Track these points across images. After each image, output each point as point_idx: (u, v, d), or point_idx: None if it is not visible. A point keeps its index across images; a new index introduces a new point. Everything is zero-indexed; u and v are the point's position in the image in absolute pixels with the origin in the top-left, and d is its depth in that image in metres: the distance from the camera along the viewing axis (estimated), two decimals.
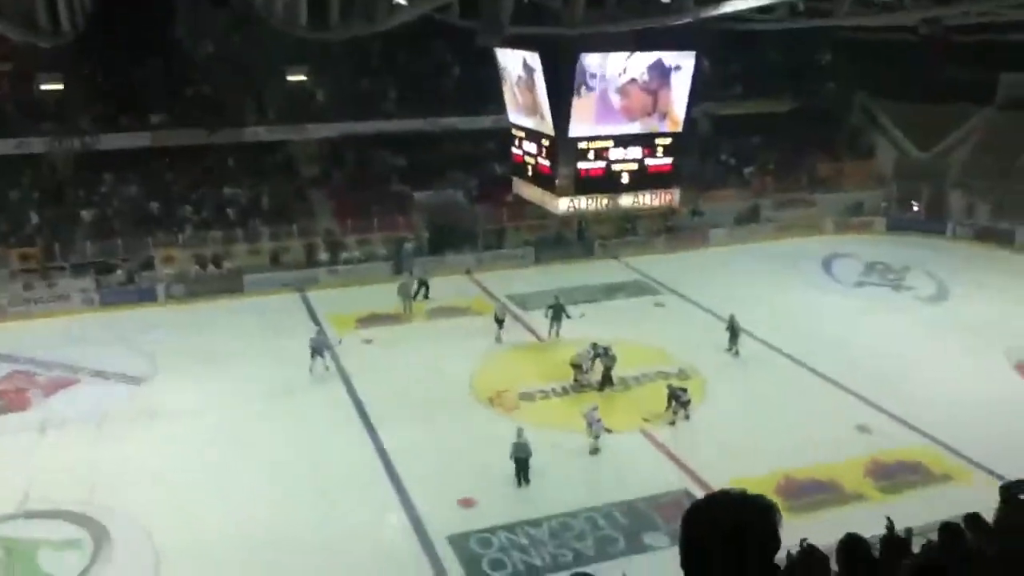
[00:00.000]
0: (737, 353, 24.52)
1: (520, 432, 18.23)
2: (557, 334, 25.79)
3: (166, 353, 25.09)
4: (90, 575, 15.17)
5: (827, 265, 33.69)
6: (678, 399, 20.79)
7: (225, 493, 17.70)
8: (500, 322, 26.09)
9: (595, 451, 19.35)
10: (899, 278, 31.95)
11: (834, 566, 5.36)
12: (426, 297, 29.72)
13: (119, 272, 30.46)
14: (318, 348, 23.21)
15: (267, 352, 25.14)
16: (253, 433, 20.38)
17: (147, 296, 29.95)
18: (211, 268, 31.44)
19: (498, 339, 25.94)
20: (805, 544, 5.43)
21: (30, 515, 16.97)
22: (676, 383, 21.66)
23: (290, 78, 37.72)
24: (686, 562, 2.28)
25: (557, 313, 25.89)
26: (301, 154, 37.20)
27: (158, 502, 17.29)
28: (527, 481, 18.04)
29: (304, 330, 25.95)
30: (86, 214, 32.49)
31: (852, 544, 5.37)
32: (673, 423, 20.68)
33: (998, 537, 5.79)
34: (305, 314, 28.86)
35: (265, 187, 35.27)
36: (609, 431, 19.65)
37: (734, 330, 24.55)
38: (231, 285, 30.89)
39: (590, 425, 19.35)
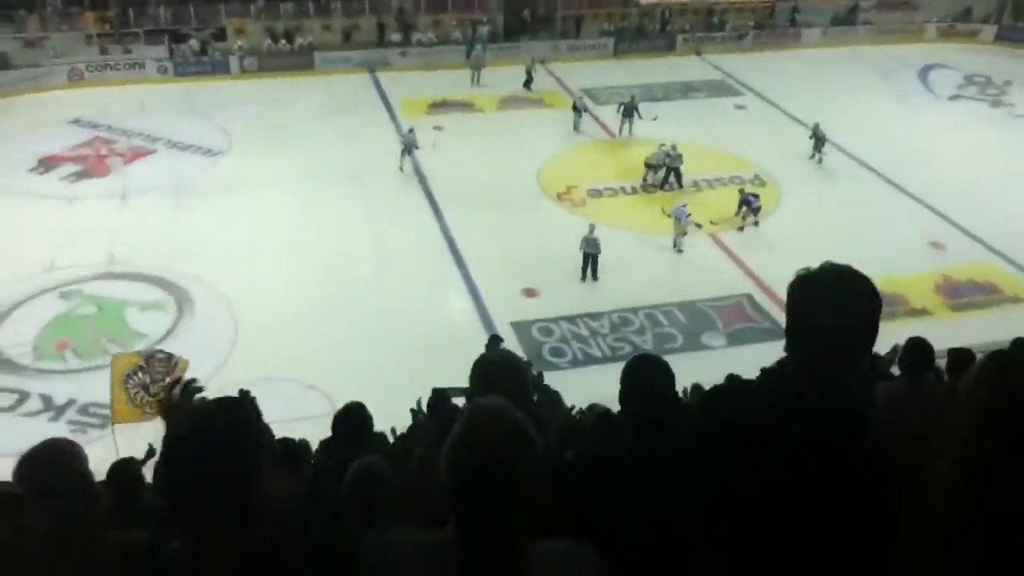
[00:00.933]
0: (820, 161, 23.70)
1: (592, 228, 18.21)
2: (630, 132, 25.14)
3: (240, 127, 25.20)
4: (175, 334, 16.01)
5: (923, 75, 31.71)
6: (749, 205, 20.36)
7: (296, 266, 18.13)
8: (580, 111, 25.55)
9: (680, 249, 19.38)
10: (1000, 93, 30.01)
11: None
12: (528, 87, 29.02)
13: (192, 42, 30.12)
14: (408, 146, 22.59)
15: (338, 132, 25.08)
16: (324, 211, 20.66)
17: (220, 68, 29.76)
18: (282, 43, 30.88)
19: (576, 128, 25.48)
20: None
21: (117, 276, 17.79)
22: (749, 188, 21.15)
23: None
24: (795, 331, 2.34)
25: (629, 111, 25.14)
26: None
27: (233, 270, 17.78)
28: (595, 277, 18.20)
29: (373, 111, 25.72)
30: None
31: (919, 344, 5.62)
32: (742, 228, 20.40)
33: None
34: (376, 96, 28.53)
35: None
36: (699, 226, 19.62)
37: (818, 138, 23.60)
38: (302, 61, 30.45)
39: (679, 220, 19.25)
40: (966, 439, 2.19)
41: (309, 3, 32.08)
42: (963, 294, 18.07)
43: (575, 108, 25.78)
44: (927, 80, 31.36)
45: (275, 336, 15.72)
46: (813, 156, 23.76)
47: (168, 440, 2.24)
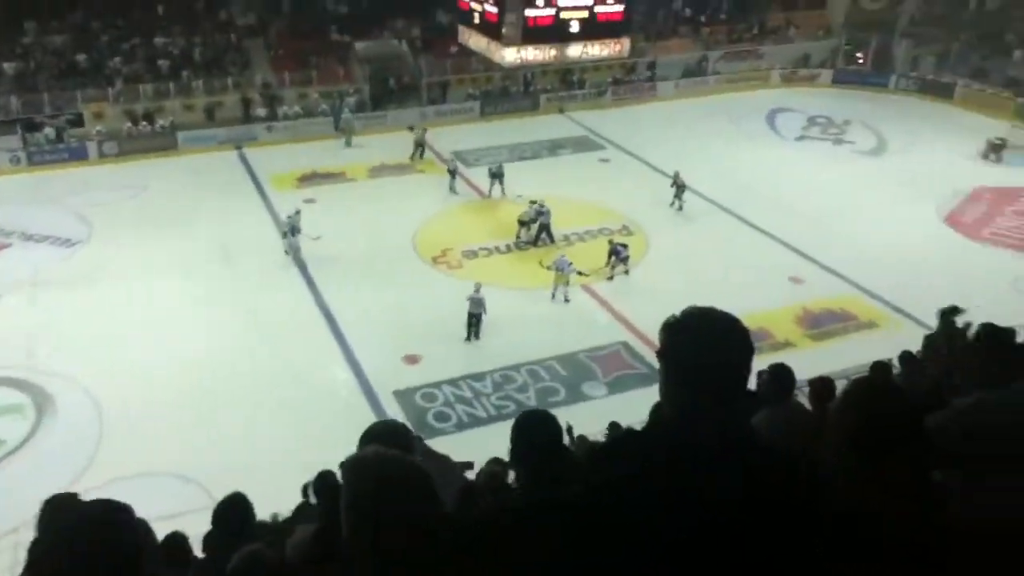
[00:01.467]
0: (681, 208, 24.72)
1: (478, 287, 18.53)
2: (502, 192, 25.62)
3: (100, 214, 24.44)
4: (35, 438, 15.26)
5: (771, 119, 33.69)
6: (618, 254, 21.04)
7: (165, 356, 17.53)
8: (453, 174, 26.08)
9: (566, 299, 19.94)
10: (840, 132, 32.16)
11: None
12: (421, 157, 29.23)
13: (47, 130, 29.16)
14: (293, 228, 21.75)
15: (205, 212, 24.65)
16: (193, 293, 20.19)
17: (78, 155, 28.82)
18: (143, 124, 30.26)
19: (451, 189, 25.98)
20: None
21: None
22: (618, 239, 21.87)
23: None
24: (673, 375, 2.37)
25: (496, 175, 25.78)
26: (236, 1, 35.39)
27: (98, 366, 17.16)
28: (477, 337, 18.42)
29: (242, 188, 25.54)
30: (8, 67, 30.75)
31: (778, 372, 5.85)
32: (611, 278, 21.02)
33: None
34: (244, 172, 28.20)
35: (198, 37, 33.65)
36: (581, 273, 20.19)
37: (679, 186, 24.65)
38: (165, 142, 29.84)
39: (561, 270, 19.84)
40: (836, 462, 2.41)
41: (169, 83, 31.63)
42: (822, 323, 19.11)
43: (449, 171, 26.19)
44: (775, 123, 33.30)
45: (146, 429, 15.17)
46: (673, 203, 24.77)
47: (36, 552, 2.09)
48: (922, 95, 35.91)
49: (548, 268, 20.24)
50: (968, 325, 8.16)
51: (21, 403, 16.13)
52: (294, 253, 21.50)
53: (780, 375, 5.96)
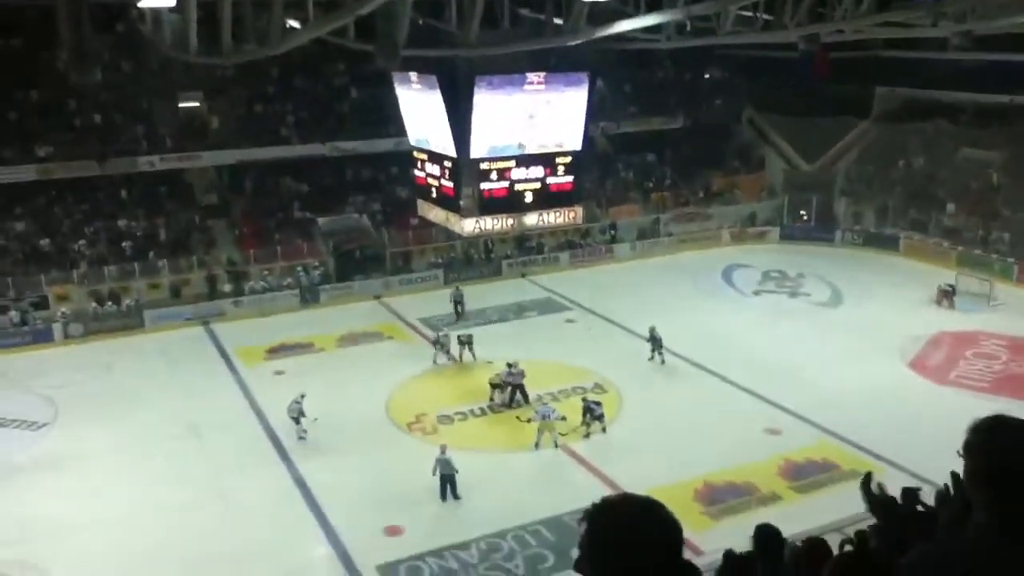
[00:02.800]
0: (663, 362, 25.08)
1: (443, 448, 18.36)
2: (473, 357, 25.76)
3: (66, 396, 23.95)
4: None
5: (727, 275, 34.82)
6: (592, 412, 21.12)
7: (137, 542, 16.88)
8: (441, 345, 25.94)
9: (556, 444, 20.23)
10: (795, 285, 33.29)
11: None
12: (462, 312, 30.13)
13: (12, 313, 28.95)
14: (297, 415, 21.14)
15: (174, 389, 24.37)
16: (162, 474, 19.62)
17: (42, 337, 28.55)
18: (109, 305, 30.22)
19: (435, 361, 25.84)
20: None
21: None
22: (591, 396, 22.00)
23: (183, 105, 36.85)
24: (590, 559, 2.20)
25: (467, 343, 26.02)
26: (198, 183, 36.33)
27: (65, 552, 16.48)
28: (456, 496, 18.16)
29: (210, 363, 25.44)
30: None
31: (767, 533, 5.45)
32: (588, 436, 20.99)
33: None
34: (212, 348, 28.09)
35: (162, 218, 34.26)
36: (564, 419, 20.49)
37: (655, 339, 25.12)
38: (131, 322, 29.78)
39: (546, 418, 20.17)
40: None
41: (134, 264, 31.89)
42: (806, 474, 19.04)
43: (436, 343, 26.09)
44: (731, 279, 34.41)
45: None
46: (652, 357, 25.18)
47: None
48: (867, 247, 37.57)
49: (529, 420, 20.48)
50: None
51: None
52: (298, 435, 21.02)
53: (766, 538, 5.09)
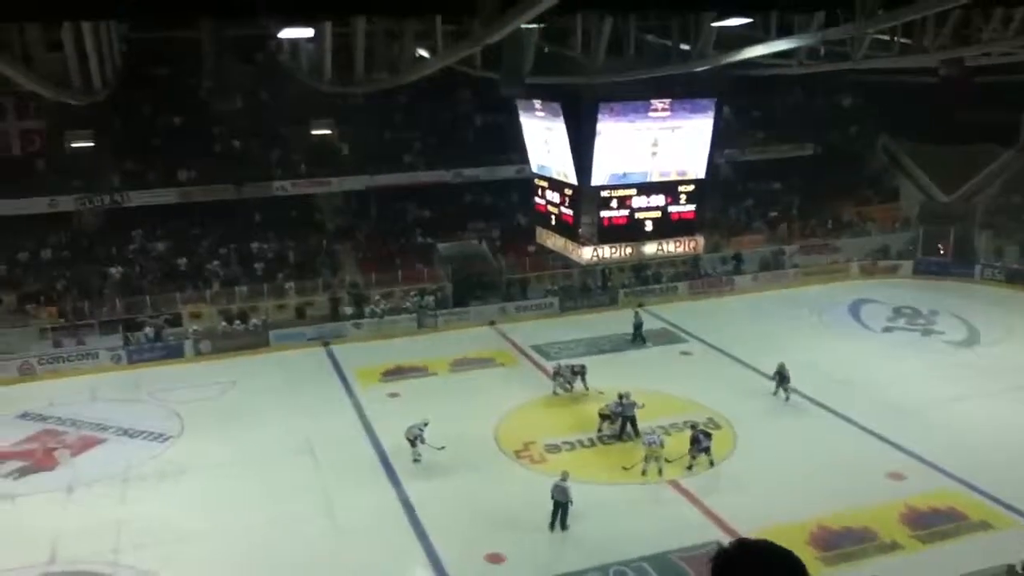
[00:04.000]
0: (788, 399, 24.15)
1: (565, 475, 18.26)
2: (585, 388, 25.34)
3: (193, 410, 25.13)
4: None
5: (854, 311, 33.32)
6: (698, 443, 20.56)
7: (250, 553, 17.53)
8: (565, 379, 25.52)
9: (660, 469, 20.14)
10: (928, 323, 31.52)
11: None
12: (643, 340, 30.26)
13: (147, 329, 30.63)
14: (415, 438, 21.22)
15: (292, 407, 25.13)
16: (279, 491, 20.22)
17: (174, 353, 30.07)
18: (237, 323, 31.56)
19: (555, 392, 25.47)
20: None
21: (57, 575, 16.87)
22: (702, 427, 21.33)
23: (315, 132, 38.24)
24: None
25: (580, 373, 25.50)
26: (326, 207, 37.61)
27: (184, 562, 17.16)
28: (564, 527, 17.97)
29: (328, 384, 26.18)
30: (115, 271, 32.89)
31: None
32: (691, 467, 20.47)
33: None
34: (331, 368, 28.87)
35: (291, 241, 35.61)
36: (663, 445, 20.27)
37: (783, 377, 24.24)
38: (257, 340, 30.96)
39: (651, 445, 20.11)
40: None
41: (263, 285, 33.21)
42: (929, 524, 17.86)
43: (556, 374, 25.68)
44: (859, 315, 32.89)
45: None
46: (776, 392, 24.32)
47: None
48: (1009, 285, 35.28)
49: (632, 467, 20.12)
50: None
51: None
52: (413, 458, 21.25)
53: None
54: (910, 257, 38.18)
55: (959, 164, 38.98)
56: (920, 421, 22.51)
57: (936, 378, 25.91)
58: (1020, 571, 6.97)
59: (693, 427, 21.12)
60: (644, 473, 20.02)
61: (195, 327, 31.18)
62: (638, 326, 30.51)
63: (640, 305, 33.02)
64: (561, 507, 18.01)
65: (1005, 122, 38.44)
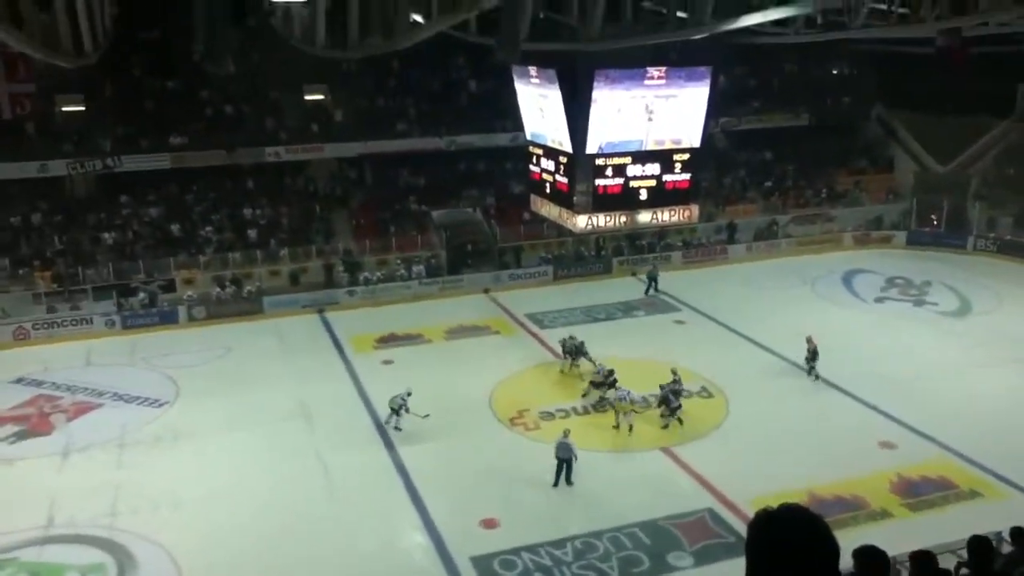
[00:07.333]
0: (817, 377, 23.72)
1: (566, 432, 18.72)
2: (578, 367, 24.70)
3: (188, 376, 25.19)
4: None
5: (847, 280, 33.44)
6: (669, 403, 21.11)
7: (246, 515, 17.69)
8: (572, 355, 24.83)
9: (631, 425, 20.79)
10: (920, 293, 31.67)
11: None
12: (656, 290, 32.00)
13: (141, 295, 30.59)
14: (399, 407, 21.28)
15: (287, 373, 25.22)
16: (273, 455, 20.39)
17: (168, 318, 30.03)
18: (230, 288, 31.52)
19: (563, 371, 24.84)
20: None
21: (54, 540, 16.98)
22: (669, 386, 21.59)
23: (308, 97, 38.00)
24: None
25: (572, 351, 24.84)
26: (320, 174, 37.42)
27: (180, 526, 17.31)
28: (569, 482, 18.46)
29: (323, 350, 26.31)
30: (107, 236, 32.76)
31: (870, 553, 5.11)
32: (666, 427, 21.05)
33: None
34: (326, 335, 28.90)
35: (284, 207, 35.47)
36: (642, 399, 21.29)
37: (811, 351, 23.82)
38: (251, 307, 30.95)
39: (621, 400, 20.87)
40: None
41: (257, 251, 33.13)
42: (919, 492, 18.09)
43: (565, 351, 24.96)
44: (852, 285, 33.02)
45: None
46: (811, 372, 23.86)
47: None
48: (1002, 256, 35.42)
49: (609, 402, 21.54)
50: None
51: (103, 563, 16.11)
52: (393, 425, 21.35)
53: (871, 562, 4.99)
54: (903, 228, 38.27)
55: (954, 135, 38.95)
56: (912, 391, 22.70)
57: (928, 348, 26.11)
58: (1007, 540, 7.06)
59: (662, 387, 21.50)
60: (616, 427, 20.99)
61: (189, 293, 31.13)
62: (653, 278, 31.73)
63: (655, 260, 34.43)
64: (565, 463, 18.42)
65: (1000, 93, 38.33)
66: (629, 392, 21.19)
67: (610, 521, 17.17)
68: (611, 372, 22.51)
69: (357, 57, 27.50)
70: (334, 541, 16.68)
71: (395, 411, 21.27)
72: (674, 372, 22.21)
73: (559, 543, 16.51)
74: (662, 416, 21.18)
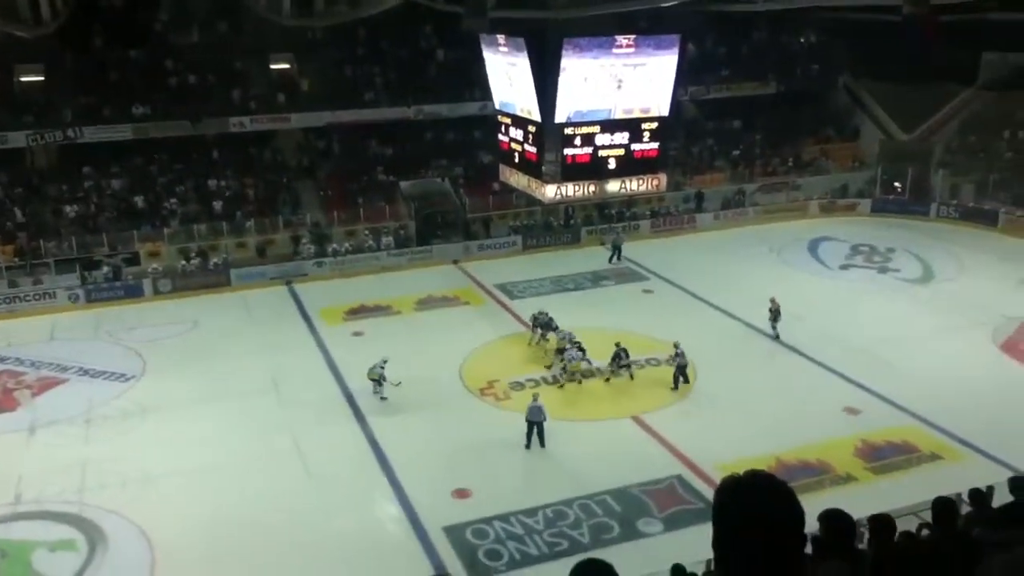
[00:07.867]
0: (777, 336, 24.57)
1: (536, 396, 19.12)
2: (545, 339, 24.45)
3: (154, 350, 24.95)
4: (86, 574, 15.09)
5: (813, 248, 33.80)
6: (619, 359, 22.03)
7: (216, 488, 17.65)
8: (539, 328, 24.62)
9: (578, 380, 22.13)
10: (884, 260, 32.10)
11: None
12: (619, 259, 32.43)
13: (105, 268, 30.16)
14: (380, 377, 21.40)
15: (256, 346, 25.07)
16: (243, 428, 20.30)
17: (133, 292, 29.66)
18: (197, 262, 31.16)
19: (530, 343, 24.70)
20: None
21: (22, 516, 16.86)
22: (624, 345, 22.41)
23: (274, 67, 37.44)
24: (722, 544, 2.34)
25: (543, 325, 24.68)
26: (286, 144, 36.98)
27: (150, 500, 17.25)
28: (542, 444, 18.79)
29: (291, 322, 26.10)
30: (69, 209, 32.20)
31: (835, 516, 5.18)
32: (608, 380, 22.10)
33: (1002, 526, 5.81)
34: (294, 307, 28.73)
35: (250, 179, 35.04)
36: (587, 359, 22.34)
37: (773, 311, 24.61)
38: (218, 279, 30.65)
39: (571, 361, 21.98)
40: None
41: (223, 223, 32.75)
42: (883, 456, 18.46)
43: (535, 324, 24.81)
44: (817, 252, 33.37)
45: (197, 565, 14.95)
46: (774, 330, 24.70)
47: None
48: (964, 223, 35.95)
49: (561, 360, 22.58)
50: None
51: (73, 539, 16.02)
52: (380, 396, 21.41)
53: (837, 526, 5.07)
54: (868, 195, 38.68)
55: (919, 103, 39.32)
56: (876, 357, 23.07)
57: (891, 315, 26.50)
58: (967, 501, 7.21)
59: (617, 344, 22.29)
60: (561, 386, 22.01)
61: (154, 266, 30.74)
62: (618, 246, 32.21)
63: (621, 229, 34.97)
64: (537, 426, 18.69)
65: (964, 62, 38.68)
66: (578, 353, 22.14)
67: (581, 489, 17.34)
68: (579, 343, 22.65)
69: (323, 25, 27.20)
70: (306, 513, 16.70)
71: (377, 381, 21.29)
72: (676, 346, 22.22)
73: (530, 511, 16.65)
74: (610, 369, 22.21)
